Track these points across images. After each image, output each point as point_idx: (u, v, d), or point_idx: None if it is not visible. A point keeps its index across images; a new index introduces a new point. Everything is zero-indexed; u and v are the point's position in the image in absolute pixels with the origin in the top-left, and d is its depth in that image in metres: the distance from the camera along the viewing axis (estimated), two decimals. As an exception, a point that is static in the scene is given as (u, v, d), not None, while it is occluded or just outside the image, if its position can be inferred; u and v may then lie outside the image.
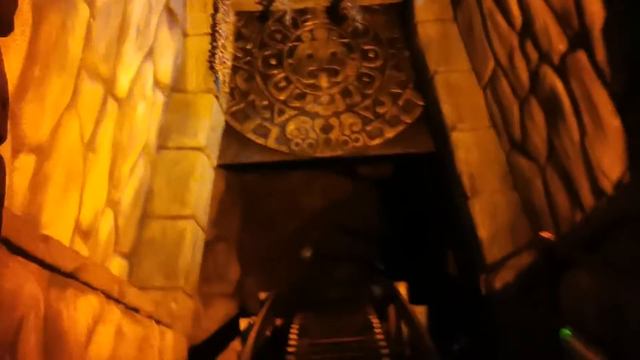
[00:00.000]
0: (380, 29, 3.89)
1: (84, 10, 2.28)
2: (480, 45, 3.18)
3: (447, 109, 3.35)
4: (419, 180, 4.41)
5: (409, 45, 3.81)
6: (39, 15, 1.98)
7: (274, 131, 3.63)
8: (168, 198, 3.23)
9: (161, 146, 3.30)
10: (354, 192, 5.54)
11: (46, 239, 1.88)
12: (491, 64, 3.13)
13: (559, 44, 2.39)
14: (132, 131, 2.91)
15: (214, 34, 3.41)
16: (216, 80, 3.36)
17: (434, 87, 3.42)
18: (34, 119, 2.03)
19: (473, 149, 3.28)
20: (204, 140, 3.28)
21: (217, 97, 3.42)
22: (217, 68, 3.31)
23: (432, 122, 3.60)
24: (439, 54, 3.46)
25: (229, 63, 3.39)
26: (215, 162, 3.53)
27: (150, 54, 3.04)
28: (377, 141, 3.62)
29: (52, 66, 2.09)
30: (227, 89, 3.42)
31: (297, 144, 3.60)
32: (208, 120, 3.32)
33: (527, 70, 2.72)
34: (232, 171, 4.69)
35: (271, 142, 3.61)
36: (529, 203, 3.02)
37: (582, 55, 2.21)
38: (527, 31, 2.62)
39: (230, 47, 3.47)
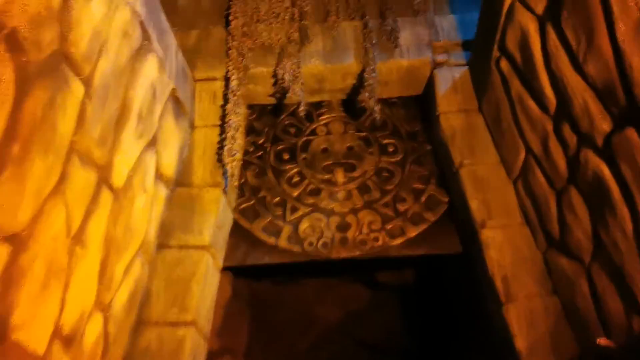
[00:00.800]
0: (400, 122, 3.75)
1: (78, 89, 2.13)
2: (510, 134, 3.00)
3: (475, 205, 3.12)
4: (444, 285, 4.09)
5: (431, 138, 3.65)
6: (24, 87, 1.83)
7: (286, 230, 3.40)
8: (167, 302, 2.95)
9: (162, 244, 3.06)
10: (373, 302, 5.18)
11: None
12: (522, 154, 2.93)
13: (602, 124, 2.19)
14: (128, 226, 2.69)
15: (223, 125, 3.28)
16: (224, 174, 3.19)
17: (459, 182, 3.21)
18: (10, 202, 1.82)
19: (505, 248, 3.01)
20: (209, 238, 3.05)
21: (224, 192, 3.23)
22: (225, 160, 3.14)
23: (458, 220, 3.36)
24: (464, 146, 3.28)
25: (239, 155, 3.23)
26: (221, 264, 3.27)
27: (152, 143, 2.89)
28: (398, 241, 3.36)
29: (36, 145, 1.90)
30: (236, 182, 3.23)
31: (310, 244, 3.35)
32: (214, 217, 3.10)
33: (565, 157, 2.50)
34: (240, 278, 4.45)
35: (282, 242, 3.37)
36: (572, 308, 2.70)
37: (631, 133, 2.00)
38: (563, 113, 2.42)
39: (240, 139, 3.32)
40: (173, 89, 3.08)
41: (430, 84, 3.59)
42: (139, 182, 2.74)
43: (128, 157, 2.61)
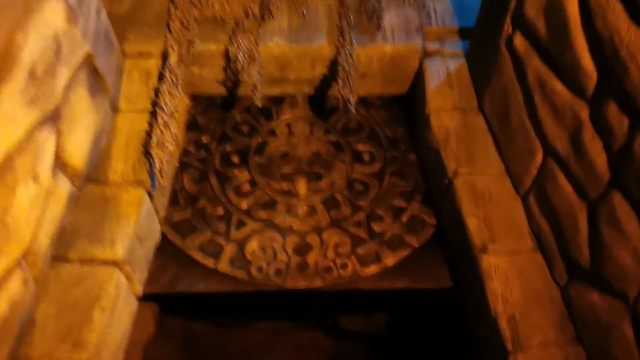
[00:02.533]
0: (379, 125, 3.16)
1: None
2: (521, 134, 2.42)
3: (474, 224, 2.51)
4: (426, 330, 3.45)
5: (416, 146, 3.05)
6: None
7: (229, 250, 2.72)
8: (56, 335, 2.21)
9: (58, 257, 2.34)
10: (335, 353, 4.48)
11: None
12: (538, 157, 2.35)
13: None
14: (2, 223, 2.01)
15: (155, 109, 2.64)
16: (150, 171, 2.53)
17: (453, 195, 2.61)
18: None
19: (513, 279, 2.39)
20: (123, 251, 2.35)
21: (150, 194, 2.56)
22: (153, 153, 2.49)
23: (449, 245, 2.75)
24: (460, 152, 2.69)
25: (171, 148, 2.57)
26: (140, 289, 2.57)
27: (53, 119, 2.21)
28: (372, 270, 2.71)
29: None
30: (164, 182, 2.57)
31: (259, 269, 2.68)
32: (133, 225, 2.42)
33: (606, 152, 1.92)
34: (173, 314, 3.74)
35: (223, 265, 2.69)
36: (606, 361, 2.11)
37: None
38: (609, 89, 1.84)
39: (176, 129, 2.66)
40: (89, 55, 2.43)
41: (418, 79, 3.01)
42: (25, 166, 2.05)
43: (8, 126, 1.94)
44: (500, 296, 2.33)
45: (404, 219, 2.85)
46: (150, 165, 2.53)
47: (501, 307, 2.30)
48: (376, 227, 2.82)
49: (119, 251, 2.36)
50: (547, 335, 2.24)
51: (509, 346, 2.23)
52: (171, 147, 2.55)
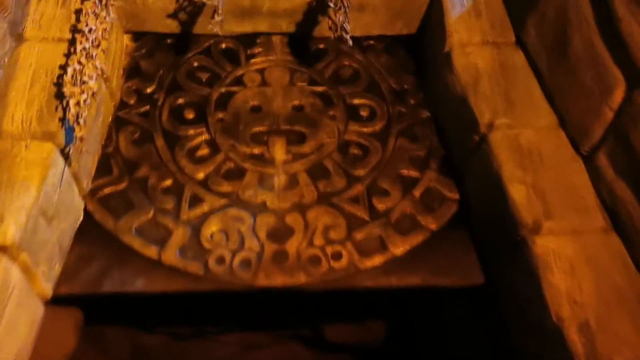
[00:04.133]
0: (380, 74, 2.46)
1: None
2: (588, 66, 1.74)
3: (520, 194, 1.84)
4: (448, 345, 2.75)
5: (430, 100, 2.38)
6: None
7: (179, 235, 2.01)
8: None
9: None
10: None
11: None
12: (618, 94, 1.68)
13: None
14: None
15: (74, 37, 1.94)
16: (64, 120, 1.83)
17: (487, 156, 1.93)
18: None
19: (582, 272, 1.71)
20: (15, 233, 1.63)
21: (65, 154, 1.86)
22: (67, 92, 1.78)
23: (479, 226, 2.09)
24: (495, 98, 2.01)
25: (92, 84, 1.86)
26: (48, 288, 1.85)
27: None
28: (374, 261, 2.01)
29: None
30: (85, 136, 1.85)
31: (220, 260, 1.97)
32: (34, 195, 1.69)
33: None
34: (116, 325, 3.02)
35: (170, 255, 1.97)
36: None
37: None
38: None
39: (102, 61, 1.95)
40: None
41: (433, 10, 2.33)
42: None
43: None
44: (565, 295, 1.65)
45: (417, 193, 2.17)
46: (64, 111, 1.82)
47: (567, 310, 1.63)
48: (379, 205, 2.14)
49: (9, 231, 1.63)
50: (637, 351, 1.59)
51: (583, 366, 1.57)
52: (93, 83, 1.84)
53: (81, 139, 1.80)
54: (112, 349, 2.90)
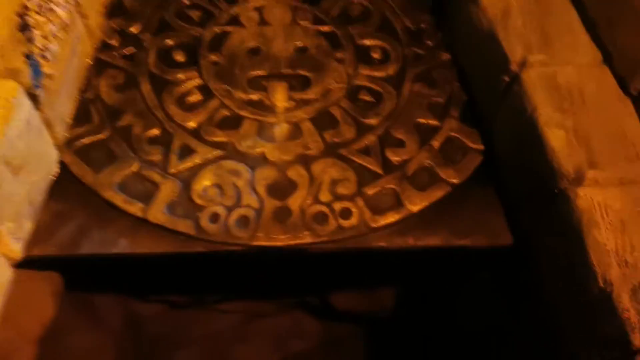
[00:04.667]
0: (393, 12, 2.18)
1: None
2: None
3: (560, 140, 1.58)
4: (467, 314, 2.52)
5: (450, 40, 2.11)
6: None
7: (167, 190, 1.77)
8: None
9: None
10: (325, 341, 3.60)
11: None
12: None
13: None
14: None
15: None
16: (30, 55, 1.59)
17: (520, 97, 1.67)
18: None
19: (633, 227, 1.48)
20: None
21: (33, 95, 1.62)
22: (32, 22, 1.54)
23: (508, 180, 1.85)
24: (529, 31, 1.73)
25: (61, 13, 1.61)
26: (17, 249, 1.62)
27: None
28: (388, 218, 1.77)
29: None
30: (50, 70, 1.60)
31: (214, 218, 1.74)
32: (-4, 140, 1.49)
33: None
34: (106, 293, 2.82)
35: (157, 212, 1.74)
36: None
37: None
38: None
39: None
40: None
41: None
42: None
43: None
44: (613, 255, 1.41)
45: (436, 143, 1.92)
46: (29, 44, 1.58)
47: (617, 273, 1.39)
48: (394, 156, 1.90)
49: (-35, 182, 1.42)
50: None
51: (637, 339, 1.35)
52: (64, 14, 1.60)
53: (50, 77, 1.56)
54: (102, 319, 2.69)
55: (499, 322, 2.04)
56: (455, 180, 1.87)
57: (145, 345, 3.02)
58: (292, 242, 1.75)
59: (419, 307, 2.81)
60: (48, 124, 1.70)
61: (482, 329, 2.27)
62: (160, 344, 3.11)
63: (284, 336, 3.20)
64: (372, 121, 1.96)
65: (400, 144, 1.92)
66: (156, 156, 1.85)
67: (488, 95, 1.88)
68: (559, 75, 1.66)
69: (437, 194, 1.84)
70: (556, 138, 1.57)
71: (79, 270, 2.08)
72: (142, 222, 1.75)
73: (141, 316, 3.01)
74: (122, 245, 1.73)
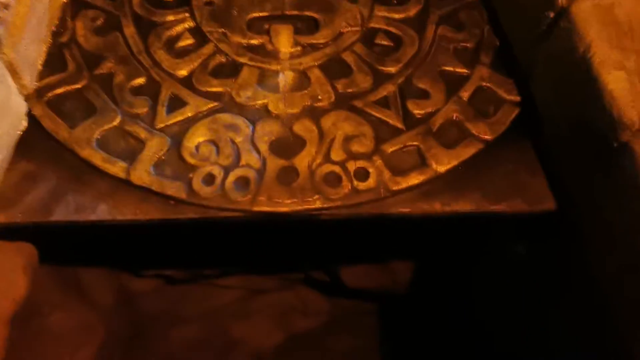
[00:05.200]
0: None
1: None
2: None
3: (619, 83, 1.30)
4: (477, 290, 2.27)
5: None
6: None
7: (154, 147, 1.53)
8: None
9: None
10: (333, 319, 3.38)
11: None
12: None
13: None
14: None
15: None
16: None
17: (568, 35, 1.43)
18: None
19: None
20: None
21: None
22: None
23: (552, 135, 1.59)
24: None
25: None
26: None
27: None
28: (411, 180, 1.52)
29: None
30: (23, 12, 1.35)
31: (208, 180, 1.49)
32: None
33: None
34: (93, 267, 2.61)
35: (142, 173, 1.50)
36: None
37: None
38: None
39: None
40: None
41: None
42: None
43: None
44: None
45: (465, 94, 1.67)
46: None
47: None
48: (417, 109, 1.64)
49: None
50: None
51: None
52: None
53: (6, 6, 1.31)
54: (89, 295, 2.48)
55: (534, 304, 1.80)
56: (487, 136, 1.61)
57: (139, 324, 2.82)
58: (299, 208, 1.51)
59: (437, 284, 2.58)
60: (12, 70, 1.45)
61: (512, 312, 2.04)
62: (155, 321, 2.92)
63: (288, 313, 3.00)
64: (391, 69, 1.70)
65: (424, 94, 1.67)
66: (141, 109, 1.60)
67: (526, 36, 1.61)
68: (617, 8, 1.40)
69: (467, 151, 1.59)
70: (615, 81, 1.31)
71: (55, 240, 1.84)
72: (125, 185, 1.51)
73: (134, 292, 2.81)
74: (101, 211, 1.49)
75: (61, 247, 2.03)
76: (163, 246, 2.45)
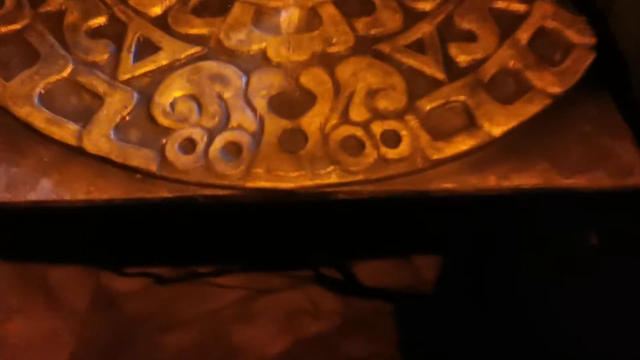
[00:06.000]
0: None
1: None
2: None
3: None
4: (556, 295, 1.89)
5: None
6: None
7: (116, 104, 1.16)
8: None
9: None
10: (347, 321, 3.07)
11: None
12: None
13: None
14: None
15: None
16: None
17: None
18: None
19: None
20: None
21: None
22: None
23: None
24: None
25: None
26: None
27: None
28: (455, 146, 1.15)
29: None
30: None
31: (186, 146, 1.13)
32: None
33: None
34: (65, 263, 2.29)
35: (99, 139, 1.13)
36: None
37: None
38: None
39: None
40: None
41: None
42: None
43: None
44: None
45: (523, 36, 1.29)
46: None
47: None
48: (462, 55, 1.26)
49: None
50: None
51: None
52: None
53: None
54: (60, 297, 2.15)
55: (609, 310, 1.44)
56: (556, 89, 1.23)
57: (122, 330, 2.50)
58: (308, 183, 1.14)
59: (470, 281, 2.23)
60: None
61: (577, 318, 1.68)
62: (144, 327, 2.60)
63: (296, 316, 2.67)
64: (426, 5, 1.33)
65: (470, 37, 1.29)
66: (100, 55, 1.24)
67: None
68: None
69: (530, 109, 1.22)
70: None
71: (12, 231, 1.52)
72: (76, 154, 1.15)
73: (117, 293, 2.48)
74: (43, 189, 1.12)
75: (22, 239, 1.73)
76: (150, 238, 2.16)
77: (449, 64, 1.26)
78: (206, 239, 2.22)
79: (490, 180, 1.16)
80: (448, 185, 1.15)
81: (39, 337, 1.96)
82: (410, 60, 1.25)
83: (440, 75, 1.24)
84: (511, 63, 1.26)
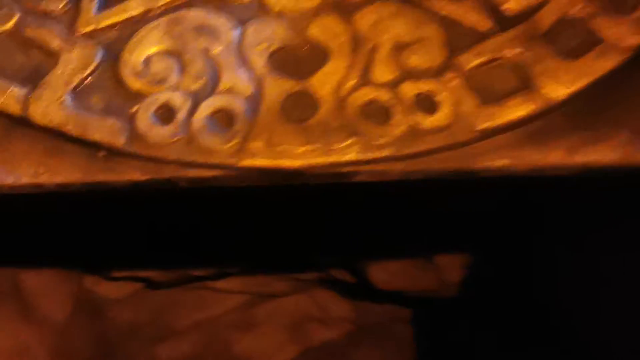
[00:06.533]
0: None
1: None
2: None
3: None
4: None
5: None
6: None
7: (73, 62, 0.93)
8: None
9: None
10: (359, 330, 2.80)
11: None
12: None
13: None
14: None
15: None
16: None
17: None
18: None
19: None
20: None
21: None
22: None
23: None
24: None
25: None
26: None
27: None
28: (509, 113, 0.95)
29: None
30: None
31: (164, 115, 0.91)
32: None
33: None
34: (46, 268, 2.08)
35: (49, 108, 0.90)
36: None
37: None
38: None
39: None
40: None
41: None
42: None
43: None
44: None
45: (589, -19, 1.11)
46: None
47: None
48: (511, 2, 1.08)
49: None
50: None
51: None
52: None
53: None
54: (34, 306, 1.97)
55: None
56: (631, 42, 1.03)
57: (110, 341, 2.33)
58: (319, 161, 0.92)
59: (502, 283, 2.01)
60: None
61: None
62: (133, 337, 2.47)
63: (303, 323, 2.68)
64: (467, -57, 1.13)
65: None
66: (54, 3, 1.03)
67: None
68: None
69: (601, 66, 0.98)
70: None
71: None
72: (21, 125, 0.93)
73: (104, 300, 2.37)
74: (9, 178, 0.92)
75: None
76: (138, 237, 1.99)
77: (495, 12, 1.03)
78: (200, 237, 2.05)
79: (556, 156, 0.93)
80: (501, 162, 0.92)
81: (7, 353, 1.77)
82: (449, 6, 1.02)
83: (486, 24, 1.01)
84: (574, 10, 1.04)
